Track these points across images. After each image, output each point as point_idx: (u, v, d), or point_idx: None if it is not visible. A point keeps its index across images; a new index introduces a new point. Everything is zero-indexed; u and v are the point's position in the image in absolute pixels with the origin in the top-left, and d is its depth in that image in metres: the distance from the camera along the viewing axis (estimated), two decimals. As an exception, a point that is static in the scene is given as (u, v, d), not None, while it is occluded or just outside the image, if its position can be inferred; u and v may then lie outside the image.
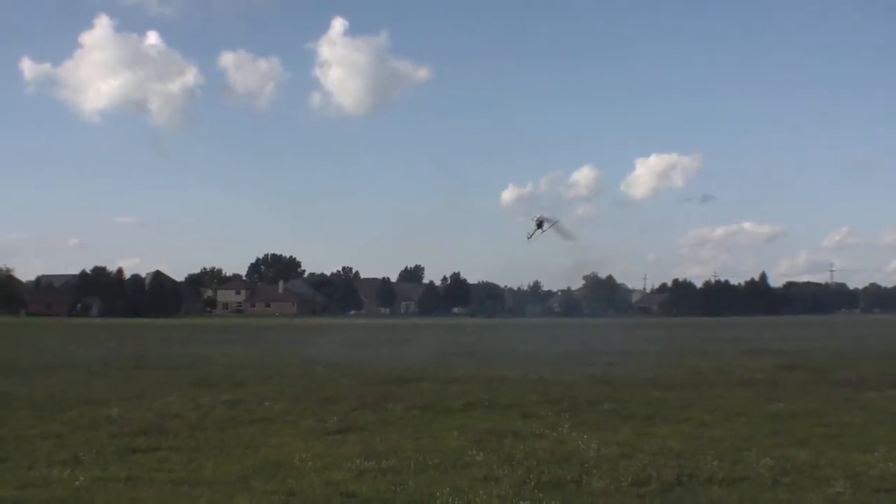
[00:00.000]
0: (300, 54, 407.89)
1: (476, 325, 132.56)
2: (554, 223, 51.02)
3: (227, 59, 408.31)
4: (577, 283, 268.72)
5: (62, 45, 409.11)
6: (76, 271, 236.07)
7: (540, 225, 52.20)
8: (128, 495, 13.20)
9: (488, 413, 23.16)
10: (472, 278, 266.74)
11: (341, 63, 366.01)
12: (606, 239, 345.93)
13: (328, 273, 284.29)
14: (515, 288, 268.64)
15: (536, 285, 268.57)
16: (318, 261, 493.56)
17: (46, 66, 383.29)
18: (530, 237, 53.42)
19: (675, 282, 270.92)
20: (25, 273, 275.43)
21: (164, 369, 37.53)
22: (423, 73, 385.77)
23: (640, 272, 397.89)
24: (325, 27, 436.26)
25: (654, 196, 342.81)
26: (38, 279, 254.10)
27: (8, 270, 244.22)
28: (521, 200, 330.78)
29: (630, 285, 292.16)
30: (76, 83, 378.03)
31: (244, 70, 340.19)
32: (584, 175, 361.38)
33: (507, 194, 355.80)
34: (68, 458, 16.15)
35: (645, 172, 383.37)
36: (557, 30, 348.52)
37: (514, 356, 49.30)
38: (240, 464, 15.85)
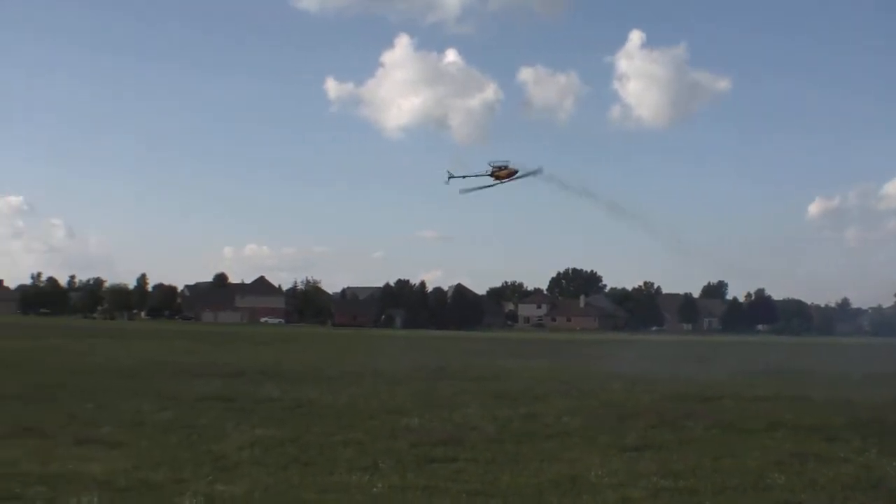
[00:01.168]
0: (598, 68, 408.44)
1: (781, 343, 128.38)
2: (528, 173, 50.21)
3: (526, 74, 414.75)
4: (888, 301, 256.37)
5: (364, 65, 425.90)
6: (380, 284, 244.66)
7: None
8: (424, 504, 13.45)
9: (791, 434, 22.32)
10: (777, 295, 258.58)
11: (640, 76, 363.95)
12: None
13: (629, 288, 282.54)
14: (823, 305, 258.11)
15: (845, 302, 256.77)
16: (620, 275, 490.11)
17: (350, 86, 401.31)
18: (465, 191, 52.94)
19: None
20: (331, 285, 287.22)
21: (465, 381, 38.15)
22: (722, 84, 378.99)
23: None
24: (622, 40, 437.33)
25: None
26: (344, 291, 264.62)
27: (315, 283, 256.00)
28: (829, 214, 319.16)
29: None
30: (378, 101, 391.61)
31: (543, 85, 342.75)
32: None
33: (814, 207, 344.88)
34: (368, 465, 16.52)
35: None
36: (865, 35, 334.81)
37: (821, 376, 47.41)
38: (535, 477, 15.86)
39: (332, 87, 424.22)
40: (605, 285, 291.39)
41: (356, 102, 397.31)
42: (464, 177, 52.82)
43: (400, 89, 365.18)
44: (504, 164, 52.23)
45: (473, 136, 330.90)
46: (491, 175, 52.40)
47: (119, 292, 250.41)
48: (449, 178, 52.67)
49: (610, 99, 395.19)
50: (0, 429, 19.48)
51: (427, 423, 22.85)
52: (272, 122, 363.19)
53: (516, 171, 53.10)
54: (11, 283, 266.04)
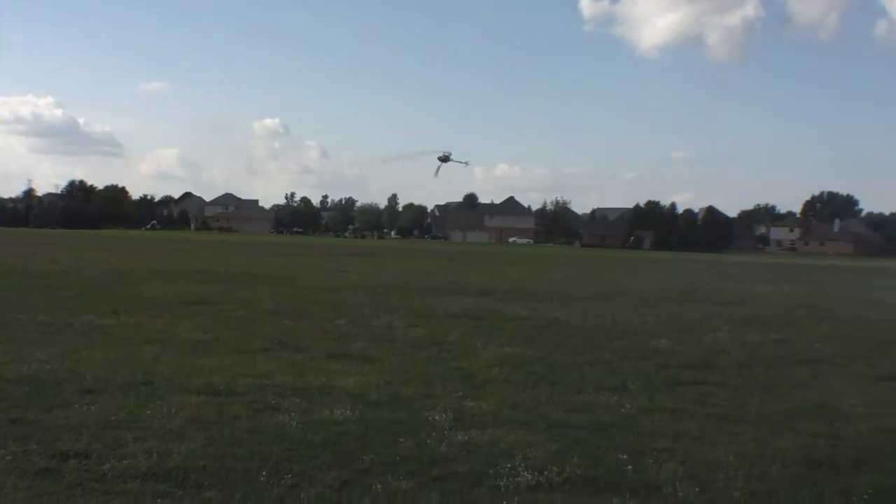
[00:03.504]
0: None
1: None
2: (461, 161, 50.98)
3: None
4: None
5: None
6: (630, 205, 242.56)
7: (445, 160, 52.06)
8: (672, 426, 13.23)
9: None
10: None
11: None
12: None
13: (887, 213, 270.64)
14: None
15: None
16: (877, 199, 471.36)
17: (605, 4, 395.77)
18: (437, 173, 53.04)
19: None
20: (581, 206, 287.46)
21: (715, 304, 37.59)
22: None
23: None
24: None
25: None
26: (594, 212, 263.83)
27: (564, 203, 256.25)
28: None
29: None
30: (633, 19, 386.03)
31: (806, 1, 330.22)
32: None
33: None
34: (616, 385, 16.45)
35: None
36: None
37: None
38: (785, 404, 15.46)
39: (586, 5, 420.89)
40: (861, 209, 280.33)
41: (611, 21, 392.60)
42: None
43: (657, 7, 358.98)
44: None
45: (731, 54, 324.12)
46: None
47: (370, 212, 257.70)
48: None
49: (877, 14, 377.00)
50: (257, 342, 20.32)
51: (676, 345, 22.54)
52: (526, 41, 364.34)
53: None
54: (266, 204, 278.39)
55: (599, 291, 43.30)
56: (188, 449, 10.97)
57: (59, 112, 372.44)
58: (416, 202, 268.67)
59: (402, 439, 11.80)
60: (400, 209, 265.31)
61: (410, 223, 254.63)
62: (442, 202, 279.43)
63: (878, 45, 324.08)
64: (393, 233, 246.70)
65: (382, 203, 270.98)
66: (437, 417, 12.97)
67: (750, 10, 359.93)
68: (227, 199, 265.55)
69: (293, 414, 12.93)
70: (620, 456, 11.36)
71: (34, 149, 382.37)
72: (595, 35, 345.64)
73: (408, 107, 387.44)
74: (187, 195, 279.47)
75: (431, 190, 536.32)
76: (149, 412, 12.73)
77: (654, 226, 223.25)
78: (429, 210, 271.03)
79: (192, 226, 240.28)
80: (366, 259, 76.91)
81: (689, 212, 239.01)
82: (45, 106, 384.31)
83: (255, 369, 16.72)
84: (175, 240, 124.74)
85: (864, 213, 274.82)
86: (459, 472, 10.54)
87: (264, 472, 10.13)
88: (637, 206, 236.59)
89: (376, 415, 13.18)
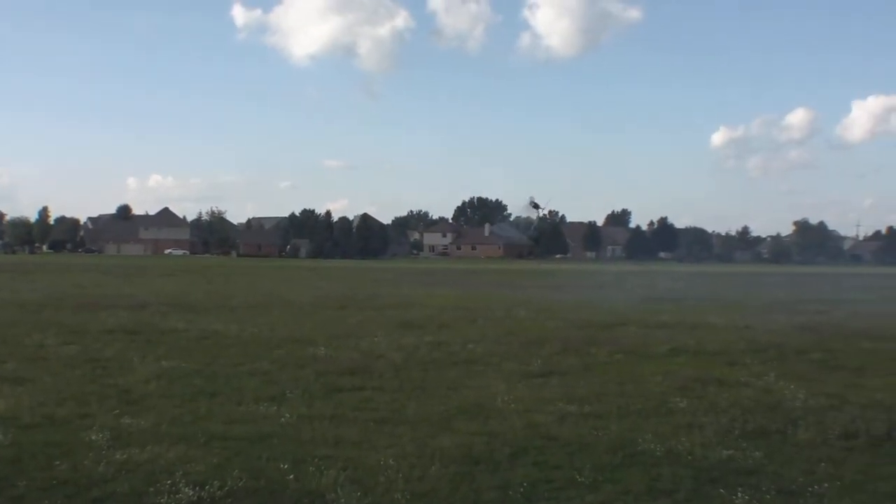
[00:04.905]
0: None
1: (683, 270, 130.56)
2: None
3: (437, 2, 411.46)
4: (786, 229, 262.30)
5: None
6: (286, 214, 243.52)
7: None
8: (332, 433, 13.47)
9: (693, 359, 22.87)
10: (680, 223, 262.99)
11: (550, 4, 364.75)
12: (819, 184, 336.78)
13: (534, 217, 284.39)
14: (724, 233, 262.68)
15: (745, 231, 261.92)
16: (524, 204, 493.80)
17: (258, 13, 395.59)
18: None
19: (890, 229, 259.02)
20: (237, 215, 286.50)
21: (371, 310, 38.24)
22: (634, 14, 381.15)
23: (854, 219, 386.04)
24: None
25: (872, 140, 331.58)
26: (249, 221, 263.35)
27: (220, 213, 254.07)
28: (733, 143, 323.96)
29: (842, 232, 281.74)
30: (286, 29, 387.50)
31: (454, 13, 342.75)
32: (798, 117, 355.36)
33: (718, 137, 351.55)
34: (275, 394, 16.57)
35: (862, 115, 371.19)
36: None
37: (722, 303, 48.54)
38: (442, 404, 16.01)
39: (239, 13, 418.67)
40: (510, 214, 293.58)
41: (263, 30, 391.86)
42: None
43: (308, 16, 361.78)
44: None
45: (382, 64, 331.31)
46: None
47: (20, 225, 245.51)
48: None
49: (520, 27, 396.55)
50: None
51: (334, 352, 22.88)
52: (178, 49, 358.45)
53: None
54: None
55: (257, 301, 43.18)
56: None
57: None
58: (69, 214, 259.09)
59: (58, 462, 11.48)
60: (52, 222, 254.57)
61: (63, 236, 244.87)
62: (95, 214, 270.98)
63: (523, 56, 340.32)
64: (45, 247, 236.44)
65: (33, 216, 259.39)
66: (94, 437, 12.68)
67: (400, 21, 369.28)
68: None
69: (-62, 442, 12.33)
70: (282, 465, 11.49)
71: None
72: (248, 44, 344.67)
73: (47, 119, 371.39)
74: None
75: (84, 201, 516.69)
76: None
77: (310, 234, 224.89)
78: (82, 223, 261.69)
79: None
80: (16, 275, 73.35)
81: (344, 219, 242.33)
82: None
83: None
84: None
85: (512, 218, 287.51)
86: (119, 493, 10.39)
87: None
88: (293, 215, 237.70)
89: (30, 438, 12.74)
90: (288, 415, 14.67)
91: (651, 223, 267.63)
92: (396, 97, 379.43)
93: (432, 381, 18.64)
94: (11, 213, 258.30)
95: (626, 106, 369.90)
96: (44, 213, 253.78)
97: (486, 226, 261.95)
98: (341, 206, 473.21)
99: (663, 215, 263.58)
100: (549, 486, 11.13)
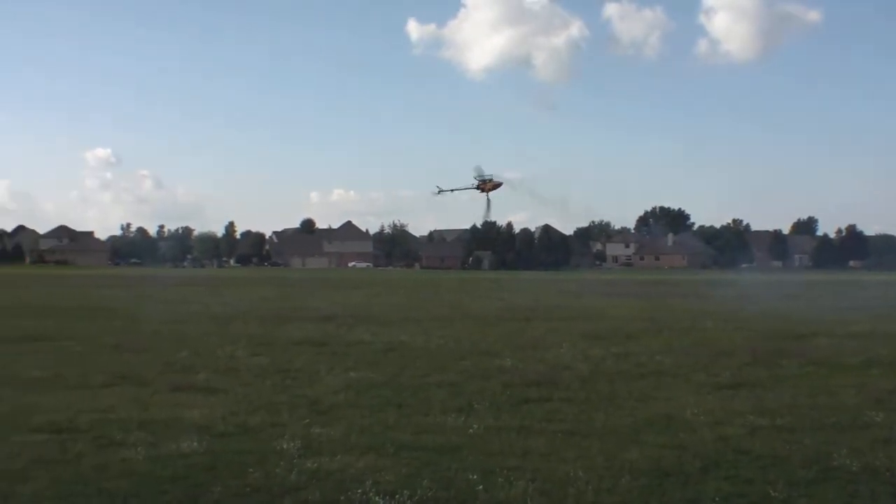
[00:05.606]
0: (684, 2, 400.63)
1: (874, 279, 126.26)
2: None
3: (612, 10, 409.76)
4: None
5: (446, 6, 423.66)
6: (467, 226, 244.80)
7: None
8: (520, 444, 13.42)
9: (889, 371, 21.98)
10: (870, 230, 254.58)
11: (727, 8, 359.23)
12: None
13: (718, 226, 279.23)
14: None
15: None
16: (708, 213, 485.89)
17: (432, 27, 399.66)
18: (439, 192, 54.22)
19: None
20: (419, 228, 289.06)
21: (555, 321, 38.16)
22: (813, 15, 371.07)
23: None
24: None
25: None
26: (431, 233, 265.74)
27: (402, 226, 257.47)
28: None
29: None
30: (461, 42, 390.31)
31: (629, 21, 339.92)
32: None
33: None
34: (463, 405, 16.58)
35: None
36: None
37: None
38: (630, 416, 15.82)
39: (413, 28, 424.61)
40: (693, 223, 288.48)
41: (439, 44, 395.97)
42: (452, 190, 55.22)
43: (482, 29, 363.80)
44: (489, 177, 54.59)
45: (558, 74, 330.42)
46: (477, 188, 54.36)
47: (208, 240, 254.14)
48: (438, 191, 54.89)
49: (697, 33, 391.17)
50: (98, 377, 19.84)
51: (520, 363, 22.84)
52: (357, 67, 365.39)
53: (500, 184, 55.04)
54: (102, 235, 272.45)
55: (441, 313, 43.54)
56: (33, 490, 10.76)
57: None
58: (254, 229, 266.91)
59: (251, 470, 11.74)
60: (238, 236, 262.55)
61: (249, 250, 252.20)
62: (280, 228, 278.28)
63: (700, 62, 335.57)
64: (232, 261, 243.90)
65: (220, 231, 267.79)
66: (285, 446, 12.94)
67: (575, 31, 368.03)
68: (61, 232, 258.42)
69: (139, 448, 12.74)
70: (471, 476, 11.49)
71: None
72: (423, 59, 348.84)
73: (231, 136, 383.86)
74: (20, 228, 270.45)
75: (269, 216, 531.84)
76: (-11, 454, 12.39)
77: (492, 246, 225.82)
78: (267, 237, 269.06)
79: (28, 259, 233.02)
80: (206, 288, 75.78)
81: (525, 231, 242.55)
82: None
83: (98, 404, 16.35)
84: (10, 275, 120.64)
85: (696, 227, 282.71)
86: (311, 501, 10.56)
87: (112, 510, 9.99)
88: (474, 227, 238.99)
89: (224, 446, 13.08)
90: (476, 426, 14.67)
91: (839, 231, 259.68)
92: (573, 107, 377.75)
93: (620, 393, 18.41)
94: (199, 229, 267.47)
95: (809, 109, 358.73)
96: (230, 227, 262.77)
97: (670, 235, 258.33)
98: (523, 217, 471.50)
99: (852, 223, 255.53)
100: (742, 500, 10.86)
